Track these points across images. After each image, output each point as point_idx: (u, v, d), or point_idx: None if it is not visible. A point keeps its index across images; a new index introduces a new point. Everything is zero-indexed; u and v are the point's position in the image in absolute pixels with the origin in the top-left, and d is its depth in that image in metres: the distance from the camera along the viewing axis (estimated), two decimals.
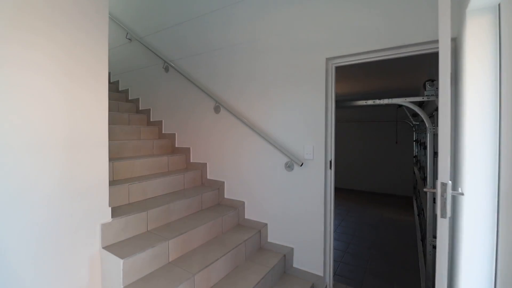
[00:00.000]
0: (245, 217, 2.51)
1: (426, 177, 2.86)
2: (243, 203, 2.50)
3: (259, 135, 2.33)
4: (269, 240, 2.35)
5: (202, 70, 2.81)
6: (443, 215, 1.02)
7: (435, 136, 2.27)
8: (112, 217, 1.74)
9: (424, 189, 1.21)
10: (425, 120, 2.26)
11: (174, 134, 3.10)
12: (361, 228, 4.06)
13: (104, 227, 1.68)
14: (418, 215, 4.25)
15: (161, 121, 3.26)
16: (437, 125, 2.36)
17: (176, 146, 3.09)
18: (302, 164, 2.08)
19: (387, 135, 6.21)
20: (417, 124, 5.50)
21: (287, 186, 2.22)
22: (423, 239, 3.22)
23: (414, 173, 6.05)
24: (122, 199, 2.06)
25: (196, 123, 2.88)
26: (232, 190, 2.58)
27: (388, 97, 2.28)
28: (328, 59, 2.06)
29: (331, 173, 2.10)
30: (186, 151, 2.96)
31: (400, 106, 5.03)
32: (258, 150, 2.38)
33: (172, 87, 3.12)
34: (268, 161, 2.32)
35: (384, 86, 4.82)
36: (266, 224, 2.35)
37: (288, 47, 2.22)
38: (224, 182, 2.64)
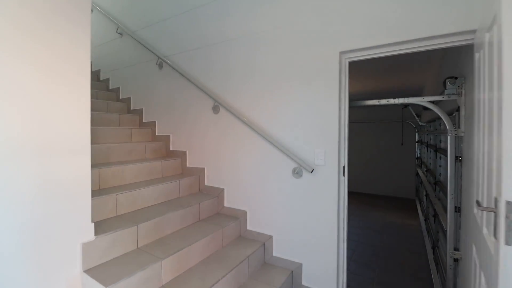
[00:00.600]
0: (248, 228, 2.28)
1: (434, 183, 2.65)
2: (245, 212, 2.26)
3: (263, 137, 2.10)
4: (274, 254, 2.12)
5: (198, 66, 2.57)
6: (510, 242, 0.81)
7: (456, 139, 2.07)
8: (95, 235, 1.50)
9: (479, 209, 0.98)
10: (445, 122, 2.06)
11: (169, 136, 2.85)
12: (365, 233, 3.86)
13: (86, 246, 1.43)
14: (426, 219, 4.07)
15: (155, 122, 3.01)
16: (459, 127, 2.18)
17: (171, 149, 2.84)
18: (312, 170, 1.86)
19: (391, 136, 6.03)
20: (422, 125, 5.33)
21: (295, 194, 1.99)
22: (434, 247, 3.03)
23: (416, 175, 5.90)
24: (109, 211, 1.81)
25: (192, 124, 2.64)
26: (233, 198, 2.35)
27: (387, 98, 2.08)
28: (341, 53, 1.84)
29: (345, 180, 1.88)
30: (181, 155, 2.72)
31: (406, 106, 4.86)
32: (262, 155, 2.15)
33: (167, 85, 2.87)
34: (274, 166, 2.09)
35: (385, 86, 4.64)
36: (271, 237, 2.12)
37: (296, 40, 1.99)
38: (223, 189, 2.40)
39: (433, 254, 3.05)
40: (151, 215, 1.87)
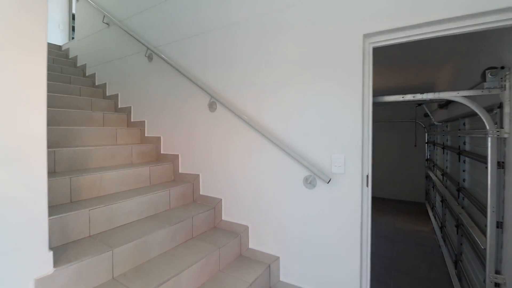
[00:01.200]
0: (249, 247, 1.94)
1: (457, 190, 2.29)
2: (247, 228, 1.92)
3: (269, 140, 1.77)
4: (282, 279, 1.78)
5: (193, 57, 2.23)
6: None
7: (499, 141, 1.74)
8: (55, 266, 1.15)
9: None
10: (485, 121, 1.73)
11: (159, 137, 2.51)
12: (377, 241, 3.53)
13: (40, 283, 1.09)
14: (441, 228, 3.75)
15: (144, 121, 2.67)
16: (502, 126, 1.85)
17: (162, 152, 2.50)
18: (329, 180, 1.52)
19: (400, 136, 5.70)
20: (435, 125, 5.01)
21: (308, 208, 1.65)
22: (457, 260, 2.70)
23: (426, 177, 5.58)
24: (79, 231, 1.47)
25: (186, 124, 2.30)
26: (232, 210, 2.01)
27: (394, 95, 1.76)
28: (365, 37, 1.51)
29: (369, 192, 1.55)
30: (173, 159, 2.38)
31: (419, 104, 4.53)
32: (267, 160, 1.82)
33: (157, 79, 2.53)
34: (281, 174, 1.76)
35: (393, 82, 4.32)
36: (277, 258, 1.78)
37: (308, 21, 1.66)
38: (221, 199, 2.06)
39: (455, 269, 2.72)
40: (132, 234, 1.53)
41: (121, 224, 1.67)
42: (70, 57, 3.79)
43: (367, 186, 1.55)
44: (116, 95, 2.98)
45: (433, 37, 1.42)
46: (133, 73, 2.77)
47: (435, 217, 4.51)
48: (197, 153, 2.21)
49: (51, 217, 1.34)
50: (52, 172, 1.77)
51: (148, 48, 2.50)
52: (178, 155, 2.35)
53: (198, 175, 2.20)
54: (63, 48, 3.97)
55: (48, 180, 1.53)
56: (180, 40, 2.31)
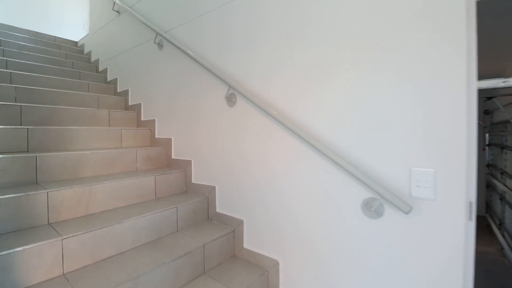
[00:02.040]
0: None
1: None
2: (277, 263, 1.42)
3: (306, 142, 1.25)
4: None
5: (208, 39, 1.78)
6: None
7: None
8: None
9: None
10: None
11: (170, 139, 2.10)
12: None
13: None
14: None
15: (154, 120, 2.28)
16: None
17: (173, 157, 2.08)
18: (409, 210, 0.97)
19: None
20: (497, 124, 4.14)
21: (367, 246, 1.11)
22: None
23: (487, 186, 4.67)
24: (47, 269, 1.07)
25: (199, 122, 1.85)
26: (258, 237, 1.52)
27: None
28: None
29: (473, 228, 0.97)
30: (186, 166, 1.95)
31: (489, 98, 3.72)
32: (304, 170, 1.30)
33: (168, 70, 2.12)
34: (327, 192, 1.23)
35: None
36: None
37: None
38: (243, 221, 1.58)
39: None
40: (120, 274, 1.10)
41: (109, 256, 1.26)
42: (84, 52, 3.56)
43: (471, 219, 0.97)
44: (127, 91, 2.63)
45: None
46: (143, 65, 2.40)
47: (503, 236, 3.67)
48: (212, 160, 1.76)
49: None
50: (32, 184, 1.41)
51: (157, 33, 2.10)
52: (190, 161, 1.91)
53: (214, 187, 1.74)
54: (79, 44, 3.76)
55: (15, 196, 1.16)
56: (193, 19, 1.87)
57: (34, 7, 4.17)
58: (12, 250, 0.99)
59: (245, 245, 1.56)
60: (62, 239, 1.11)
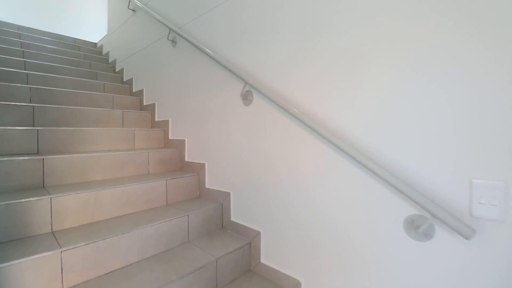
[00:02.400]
0: None
1: None
2: (298, 283, 1.25)
3: (334, 145, 1.07)
4: None
5: (221, 32, 1.64)
6: None
7: None
8: None
9: None
10: None
11: (184, 141, 1.99)
12: None
13: None
14: None
15: (167, 120, 2.18)
16: None
17: (186, 160, 1.97)
18: (471, 235, 0.76)
19: None
20: None
21: (413, 274, 0.91)
22: None
23: None
24: (45, 285, 0.97)
25: (213, 123, 1.72)
26: (276, 251, 1.36)
27: None
28: None
29: None
30: (199, 169, 1.82)
31: None
32: (332, 177, 1.12)
33: (181, 67, 2.01)
34: (360, 205, 1.04)
35: None
36: None
37: None
38: (260, 232, 1.42)
39: None
40: None
41: (113, 270, 1.15)
42: (103, 53, 3.57)
43: None
44: (141, 91, 2.57)
45: None
46: (157, 63, 2.32)
47: None
48: (227, 163, 1.62)
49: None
50: (38, 188, 1.34)
51: (170, 29, 2.00)
52: (204, 164, 1.79)
53: (228, 194, 1.60)
54: (98, 45, 3.79)
55: (16, 202, 1.08)
56: (206, 12, 1.75)
57: (56, 11, 4.27)
58: (5, 264, 0.90)
59: (263, 260, 1.40)
60: (61, 252, 1.01)
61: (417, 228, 0.87)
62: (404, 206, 0.91)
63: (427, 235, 0.86)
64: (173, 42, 2.07)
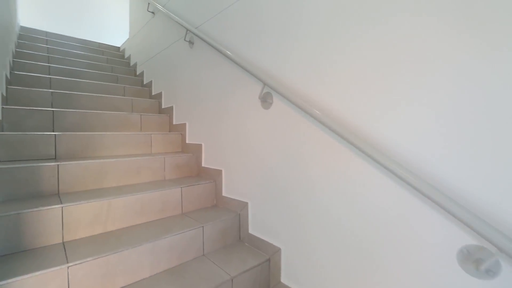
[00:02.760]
0: None
1: None
2: None
3: (370, 157, 0.92)
4: None
5: (238, 29, 1.53)
6: None
7: None
8: None
9: None
10: None
11: (200, 145, 1.91)
12: None
13: None
14: None
15: (185, 124, 2.12)
16: None
17: (203, 165, 1.89)
18: None
19: None
20: None
21: None
22: None
23: None
24: None
25: (231, 126, 1.62)
26: (298, 270, 1.22)
27: None
28: None
29: None
30: (216, 176, 1.73)
31: None
32: (368, 196, 0.97)
33: (198, 69, 1.94)
34: (404, 231, 0.88)
35: None
36: None
37: None
38: (280, 249, 1.29)
39: None
40: None
41: (123, 286, 1.07)
42: (125, 57, 3.62)
43: None
44: (160, 94, 2.54)
45: None
46: (175, 65, 2.27)
47: None
48: (244, 171, 1.50)
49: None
50: (53, 195, 1.31)
51: (187, 30, 1.93)
52: (221, 170, 1.69)
53: (246, 204, 1.49)
54: (121, 49, 3.86)
55: (31, 211, 1.04)
56: (222, 10, 1.65)
57: (82, 16, 4.44)
58: (9, 280, 0.84)
59: (283, 280, 1.27)
60: (68, 267, 0.95)
61: (475, 262, 0.70)
62: (459, 232, 0.74)
63: (489, 272, 0.69)
64: (190, 43, 2.00)
